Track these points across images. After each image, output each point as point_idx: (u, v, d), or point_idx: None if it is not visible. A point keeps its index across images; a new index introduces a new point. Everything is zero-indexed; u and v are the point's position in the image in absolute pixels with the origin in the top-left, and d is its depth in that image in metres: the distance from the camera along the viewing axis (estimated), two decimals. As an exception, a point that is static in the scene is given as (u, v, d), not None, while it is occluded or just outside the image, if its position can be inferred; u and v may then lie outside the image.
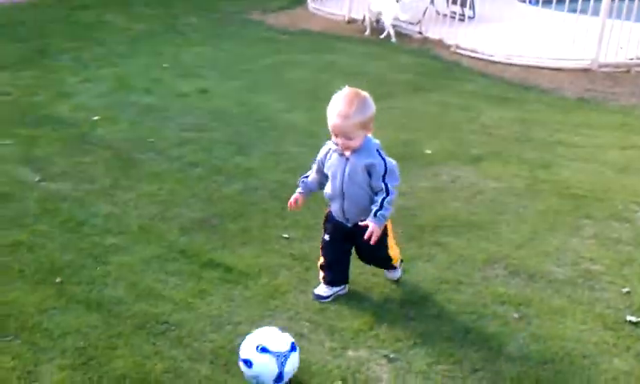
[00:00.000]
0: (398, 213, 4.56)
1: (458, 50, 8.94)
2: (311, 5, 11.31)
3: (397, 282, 3.77)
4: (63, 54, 8.20)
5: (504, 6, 9.30)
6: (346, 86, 3.38)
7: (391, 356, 3.22)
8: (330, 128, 3.33)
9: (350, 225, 3.51)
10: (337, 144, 3.37)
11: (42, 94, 6.76)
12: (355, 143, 3.32)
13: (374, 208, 3.34)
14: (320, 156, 3.54)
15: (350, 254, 3.66)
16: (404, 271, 3.83)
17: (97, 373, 3.05)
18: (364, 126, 3.30)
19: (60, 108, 6.40)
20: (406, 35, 9.72)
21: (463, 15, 9.90)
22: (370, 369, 3.14)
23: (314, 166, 3.60)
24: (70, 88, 6.98)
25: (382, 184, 3.35)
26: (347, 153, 3.37)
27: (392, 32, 9.50)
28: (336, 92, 3.35)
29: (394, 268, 3.75)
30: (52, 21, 9.86)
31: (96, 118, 6.15)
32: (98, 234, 4.22)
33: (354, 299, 3.62)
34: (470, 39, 9.01)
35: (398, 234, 4.30)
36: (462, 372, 3.14)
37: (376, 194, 3.38)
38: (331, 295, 3.63)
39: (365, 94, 3.34)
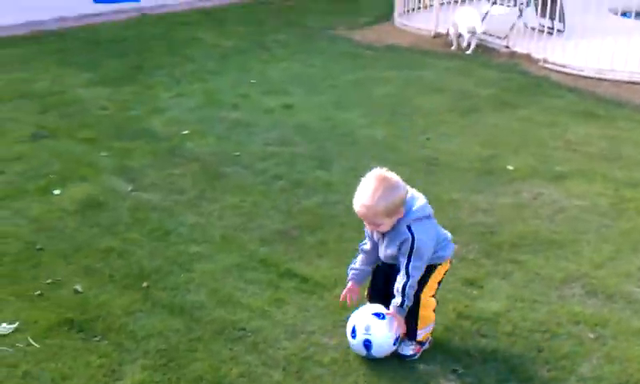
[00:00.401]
0: (476, 229, 4.59)
1: (547, 65, 8.77)
2: (398, 20, 11.36)
3: (403, 358, 3.35)
4: (158, 69, 8.60)
5: (595, 18, 9.05)
6: (376, 168, 3.21)
7: (461, 371, 3.25)
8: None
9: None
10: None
11: (137, 108, 7.13)
12: (384, 228, 3.19)
13: (398, 298, 3.19)
14: (367, 227, 3.37)
15: (383, 279, 3.44)
16: (417, 355, 3.37)
17: (175, 374, 3.23)
18: (390, 213, 3.12)
19: (153, 122, 6.73)
20: (493, 49, 9.62)
21: (552, 28, 9.71)
22: (440, 383, 3.18)
23: (365, 246, 3.45)
24: (163, 103, 7.32)
25: (405, 261, 3.16)
26: None
27: (464, 44, 9.51)
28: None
29: (414, 336, 3.33)
30: (151, 38, 10.35)
31: (186, 132, 6.43)
32: (183, 242, 4.44)
33: (426, 313, 3.66)
34: (560, 53, 8.83)
35: (475, 249, 4.33)
36: (532, 390, 3.13)
37: (398, 270, 3.21)
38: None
39: (393, 178, 3.16)
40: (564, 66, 8.65)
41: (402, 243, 3.17)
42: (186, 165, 5.70)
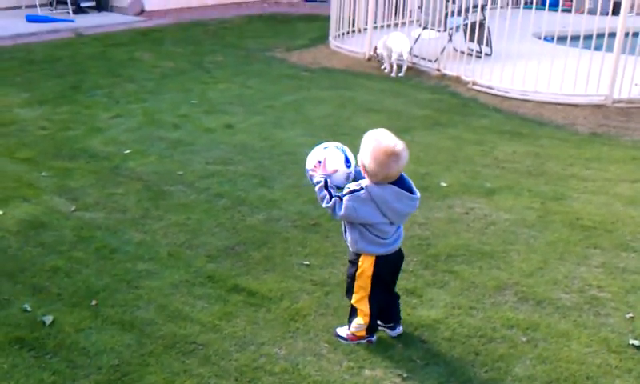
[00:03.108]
0: (414, 242, 4.81)
1: (475, 87, 9.18)
2: (333, 43, 11.64)
3: (336, 336, 3.73)
4: (96, 89, 8.58)
5: (520, 42, 9.53)
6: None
7: (405, 375, 3.43)
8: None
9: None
10: None
11: (76, 128, 7.11)
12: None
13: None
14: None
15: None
16: (349, 341, 3.69)
17: (130, 388, 3.31)
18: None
19: (93, 142, 6.73)
20: (424, 72, 9.99)
21: (480, 52, 10.16)
22: (385, 387, 3.36)
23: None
24: (102, 123, 7.33)
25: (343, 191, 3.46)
26: None
27: (395, 68, 9.88)
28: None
29: (349, 323, 3.67)
30: (87, 58, 10.30)
31: (127, 151, 6.47)
32: (130, 260, 4.50)
33: (370, 322, 3.84)
34: (487, 76, 9.26)
35: (413, 261, 4.55)
36: (471, 391, 3.35)
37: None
38: None
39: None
40: (491, 88, 9.08)
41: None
42: (129, 184, 5.74)
